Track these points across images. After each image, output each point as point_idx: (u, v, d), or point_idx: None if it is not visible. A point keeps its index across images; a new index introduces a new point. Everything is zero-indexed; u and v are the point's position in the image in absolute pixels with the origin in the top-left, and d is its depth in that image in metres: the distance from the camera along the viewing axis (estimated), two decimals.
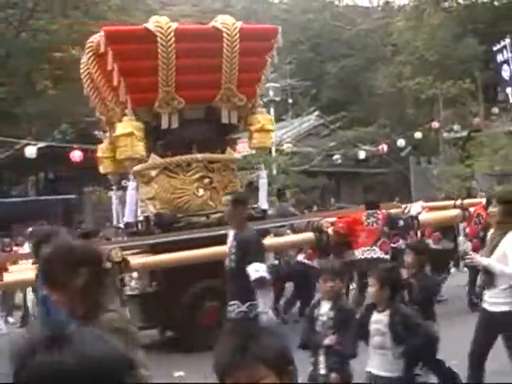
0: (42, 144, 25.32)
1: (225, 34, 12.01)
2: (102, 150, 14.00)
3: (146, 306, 12.05)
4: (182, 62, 11.76)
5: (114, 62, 11.60)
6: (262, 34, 12.87)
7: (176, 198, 12.18)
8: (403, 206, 13.57)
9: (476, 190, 29.08)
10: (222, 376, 2.32)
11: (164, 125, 12.11)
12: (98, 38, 12.31)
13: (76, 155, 23.69)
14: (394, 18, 39.00)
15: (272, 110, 28.24)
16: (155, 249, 11.50)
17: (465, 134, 34.96)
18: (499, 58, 30.58)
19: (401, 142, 32.12)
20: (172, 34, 11.66)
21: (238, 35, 12.04)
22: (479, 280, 12.99)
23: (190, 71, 11.93)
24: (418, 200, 15.26)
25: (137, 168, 12.41)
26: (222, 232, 11.26)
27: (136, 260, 11.13)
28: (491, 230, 7.62)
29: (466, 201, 14.95)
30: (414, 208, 12.94)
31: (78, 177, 30.79)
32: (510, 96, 30.81)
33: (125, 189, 15.12)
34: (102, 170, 14.14)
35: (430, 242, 15.13)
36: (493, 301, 7.10)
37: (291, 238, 12.47)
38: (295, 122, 34.69)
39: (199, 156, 12.34)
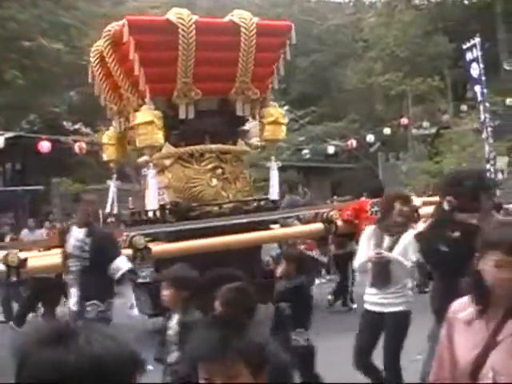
0: (9, 134, 25.47)
1: (242, 29, 12.57)
2: (107, 138, 14.49)
3: (157, 294, 12.51)
4: (201, 55, 12.26)
5: (136, 52, 12.03)
6: (277, 30, 13.46)
7: (190, 187, 12.70)
8: None
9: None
10: (195, 366, 2.39)
11: (181, 115, 12.61)
12: (116, 27, 12.78)
13: (44, 146, 23.70)
14: (366, 14, 39.78)
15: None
16: (169, 237, 11.99)
17: (433, 130, 35.69)
18: (468, 56, 30.91)
19: (370, 138, 32.63)
20: (193, 26, 12.15)
21: (254, 30, 12.63)
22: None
23: (208, 63, 12.44)
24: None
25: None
26: (236, 221, 11.99)
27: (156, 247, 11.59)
28: (368, 230, 7.60)
29: None
30: (415, 202, 13.61)
31: (45, 168, 30.87)
32: (478, 94, 31.47)
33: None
34: (105, 157, 14.64)
35: None
36: (382, 301, 7.13)
37: (299, 228, 13.04)
38: None
39: (213, 147, 12.90)
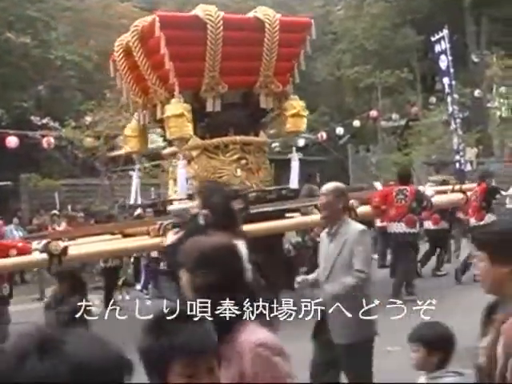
0: None
1: (267, 25, 13.57)
2: (130, 130, 15.34)
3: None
4: (227, 49, 13.22)
5: (166, 46, 12.92)
6: (298, 26, 14.65)
7: (217, 177, 13.60)
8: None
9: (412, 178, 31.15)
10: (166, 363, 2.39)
11: (209, 108, 13.56)
12: (143, 22, 13.66)
13: (12, 141, 24.04)
14: (334, 7, 40.81)
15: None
16: None
17: (403, 122, 36.81)
18: (437, 48, 31.56)
19: (339, 131, 33.51)
20: (221, 22, 13.09)
21: (278, 26, 13.62)
22: None
23: (234, 58, 13.46)
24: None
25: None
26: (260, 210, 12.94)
27: None
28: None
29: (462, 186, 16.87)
30: (428, 191, 14.74)
31: (13, 163, 31.15)
32: (446, 86, 32.50)
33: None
34: (128, 148, 15.57)
35: (430, 223, 16.96)
36: None
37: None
38: None
39: (237, 138, 13.87)
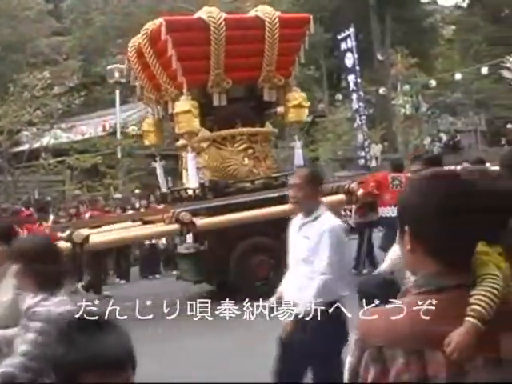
0: None
1: (267, 23, 15.17)
2: (147, 125, 17.08)
3: (200, 263, 14.80)
4: (231, 47, 14.82)
5: (173, 48, 14.53)
6: (297, 22, 16.27)
7: (226, 166, 15.28)
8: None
9: None
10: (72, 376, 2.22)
11: (215, 103, 15.21)
12: (152, 26, 15.13)
13: None
14: (245, 3, 42.02)
15: (117, 92, 30.55)
16: (209, 212, 14.36)
17: (309, 119, 38.71)
18: (343, 46, 33.19)
19: None
20: (223, 23, 14.70)
21: (277, 23, 15.20)
22: None
23: (237, 55, 15.08)
24: None
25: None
26: (268, 196, 14.54)
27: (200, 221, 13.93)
28: None
29: None
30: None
31: None
32: (352, 83, 34.41)
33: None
34: (146, 142, 17.42)
35: None
36: None
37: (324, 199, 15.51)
38: (141, 105, 36.49)
39: (244, 130, 15.48)
